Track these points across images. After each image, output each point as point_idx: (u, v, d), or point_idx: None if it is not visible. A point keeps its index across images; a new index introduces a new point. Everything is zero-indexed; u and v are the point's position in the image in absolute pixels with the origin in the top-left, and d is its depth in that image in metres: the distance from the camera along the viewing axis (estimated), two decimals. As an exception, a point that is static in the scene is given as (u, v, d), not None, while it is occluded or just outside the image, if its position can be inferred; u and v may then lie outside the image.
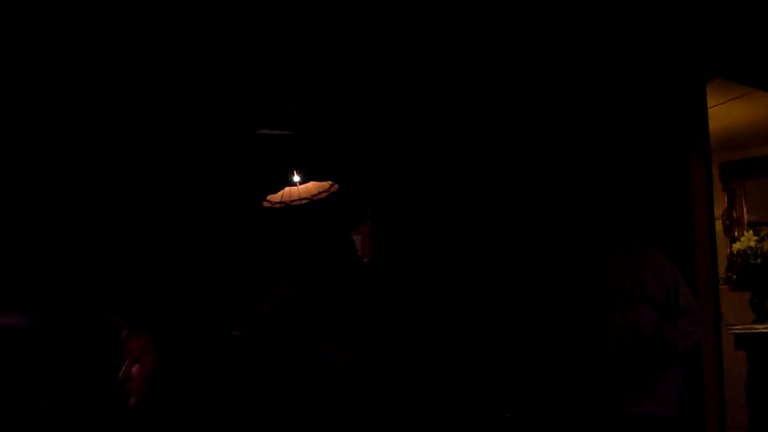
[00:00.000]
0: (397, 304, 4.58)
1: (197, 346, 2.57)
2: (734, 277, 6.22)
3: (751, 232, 6.44)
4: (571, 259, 4.12)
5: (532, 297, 4.34)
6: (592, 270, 3.89)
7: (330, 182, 4.86)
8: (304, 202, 4.78)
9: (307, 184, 4.87)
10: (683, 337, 3.61)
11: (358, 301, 4.39)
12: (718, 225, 6.50)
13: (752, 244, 6.12)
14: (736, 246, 6.30)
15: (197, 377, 2.52)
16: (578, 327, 3.89)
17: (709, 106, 4.94)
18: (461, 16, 4.11)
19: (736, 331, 5.76)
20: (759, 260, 5.99)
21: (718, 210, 6.58)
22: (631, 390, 3.63)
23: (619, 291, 3.73)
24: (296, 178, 4.90)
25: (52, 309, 4.33)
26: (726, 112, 5.49)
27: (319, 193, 4.84)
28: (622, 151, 4.53)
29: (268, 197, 4.88)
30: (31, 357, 4.08)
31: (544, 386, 4.20)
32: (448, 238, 4.64)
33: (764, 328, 5.67)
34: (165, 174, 5.04)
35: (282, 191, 4.87)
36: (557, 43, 4.34)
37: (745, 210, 6.95)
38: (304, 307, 4.19)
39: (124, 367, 2.50)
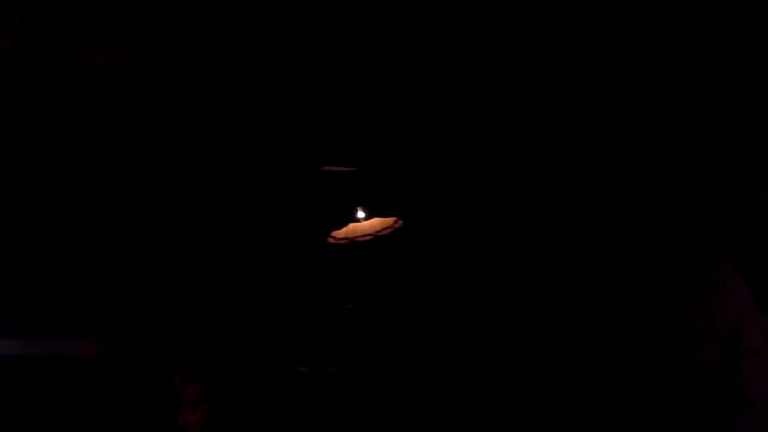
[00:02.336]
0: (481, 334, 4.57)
1: (255, 388, 2.53)
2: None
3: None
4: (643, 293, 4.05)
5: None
6: (661, 304, 3.80)
7: (395, 218, 4.85)
8: (368, 238, 4.78)
9: (372, 220, 4.86)
10: (747, 380, 3.45)
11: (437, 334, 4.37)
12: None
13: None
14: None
15: (257, 421, 2.48)
16: (647, 361, 3.80)
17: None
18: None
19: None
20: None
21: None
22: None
23: (687, 327, 3.62)
24: (360, 214, 4.90)
25: (125, 338, 4.40)
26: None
27: (384, 229, 4.83)
28: (693, 181, 4.45)
29: (333, 233, 4.89)
30: (103, 387, 4.14)
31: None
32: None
33: None
34: (228, 213, 5.11)
35: (346, 227, 4.87)
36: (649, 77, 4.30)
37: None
38: (386, 340, 4.18)
39: (180, 415, 2.45)
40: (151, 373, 4.41)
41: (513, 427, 4.46)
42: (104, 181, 4.75)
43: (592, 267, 4.53)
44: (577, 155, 4.68)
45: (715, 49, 3.98)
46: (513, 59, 4.05)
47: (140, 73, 3.62)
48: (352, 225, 4.89)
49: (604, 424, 4.25)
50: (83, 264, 4.71)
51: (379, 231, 4.81)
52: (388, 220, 4.85)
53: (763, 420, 3.44)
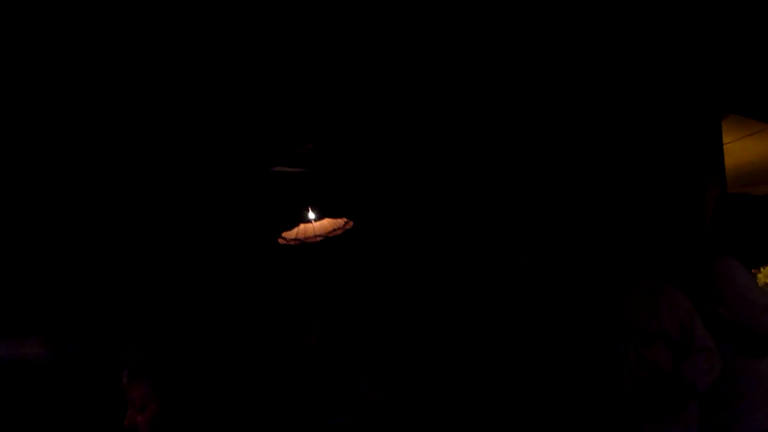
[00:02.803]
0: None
1: (204, 388, 2.51)
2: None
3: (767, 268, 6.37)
4: (588, 294, 4.09)
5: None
6: (607, 305, 3.84)
7: (345, 219, 4.85)
8: (319, 239, 4.77)
9: (323, 221, 4.86)
10: (701, 375, 3.53)
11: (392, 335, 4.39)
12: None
13: (768, 280, 6.06)
14: (754, 282, 6.24)
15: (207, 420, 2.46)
16: (593, 362, 3.84)
17: (724, 142, 4.91)
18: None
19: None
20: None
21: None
22: (651, 428, 3.55)
23: (634, 326, 3.65)
24: (311, 215, 4.89)
25: (72, 339, 4.34)
26: (741, 148, 5.47)
27: (334, 230, 4.83)
28: (638, 185, 4.52)
29: (284, 234, 4.87)
30: (49, 390, 4.07)
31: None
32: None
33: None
34: (177, 213, 5.06)
35: (297, 228, 4.86)
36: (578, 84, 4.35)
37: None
38: (340, 342, 4.19)
39: (128, 415, 2.42)
40: (99, 374, 4.35)
41: (464, 427, 4.49)
42: (47, 181, 4.68)
43: (539, 269, 4.58)
44: (526, 157, 4.73)
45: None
46: (463, 61, 4.09)
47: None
48: (302, 226, 4.88)
49: (551, 424, 4.29)
50: (29, 262, 4.64)
51: (329, 232, 4.81)
52: (339, 221, 4.86)
53: (705, 413, 3.53)
